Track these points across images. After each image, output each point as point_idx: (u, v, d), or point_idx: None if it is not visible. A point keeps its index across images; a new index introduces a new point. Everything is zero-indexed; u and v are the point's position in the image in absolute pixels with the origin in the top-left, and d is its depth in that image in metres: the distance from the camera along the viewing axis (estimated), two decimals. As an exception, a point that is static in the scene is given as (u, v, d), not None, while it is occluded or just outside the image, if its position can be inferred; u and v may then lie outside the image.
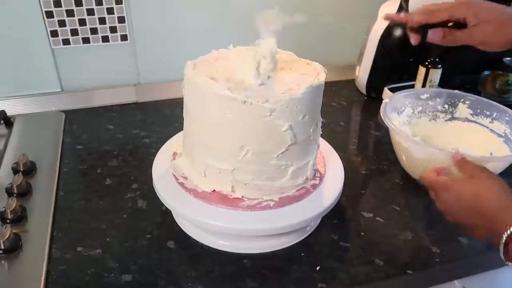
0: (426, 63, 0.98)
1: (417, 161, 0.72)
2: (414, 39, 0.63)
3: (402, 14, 0.63)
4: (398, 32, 0.98)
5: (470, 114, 0.84)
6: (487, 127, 0.81)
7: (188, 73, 0.57)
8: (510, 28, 0.59)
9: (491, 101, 0.82)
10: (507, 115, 0.78)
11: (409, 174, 0.78)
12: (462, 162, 0.58)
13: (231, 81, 0.55)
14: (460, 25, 0.60)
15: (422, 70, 0.99)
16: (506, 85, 1.06)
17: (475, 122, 0.83)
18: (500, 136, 0.79)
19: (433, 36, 0.61)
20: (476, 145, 0.78)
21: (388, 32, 0.98)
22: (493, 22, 0.58)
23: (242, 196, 0.59)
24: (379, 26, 0.99)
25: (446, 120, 0.86)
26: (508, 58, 1.13)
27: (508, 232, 0.44)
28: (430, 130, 0.85)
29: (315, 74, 0.58)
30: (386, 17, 0.67)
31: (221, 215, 0.57)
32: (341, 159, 0.69)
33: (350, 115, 1.05)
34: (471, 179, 0.54)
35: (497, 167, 0.69)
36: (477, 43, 0.60)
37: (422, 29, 0.61)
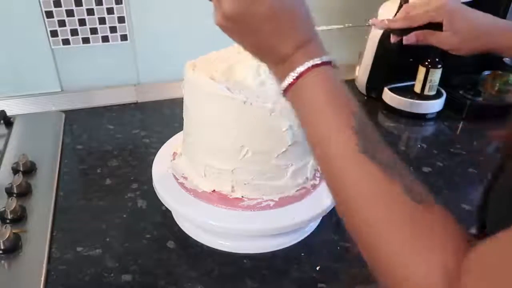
0: (426, 63, 0.98)
1: None
2: (393, 39, 0.68)
3: (385, 20, 0.67)
4: (398, 32, 0.98)
5: None
6: None
7: (188, 73, 0.57)
8: (476, 42, 0.60)
9: None
10: None
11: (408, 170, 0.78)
12: None
13: (230, 81, 0.55)
14: (438, 26, 0.62)
15: (422, 70, 0.98)
16: (506, 85, 1.06)
17: None
18: None
19: (408, 41, 0.64)
20: None
21: (388, 32, 0.98)
22: (463, 33, 0.60)
23: (242, 196, 0.59)
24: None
25: None
26: (508, 58, 1.13)
27: (299, 70, 0.36)
28: None
29: None
30: (372, 23, 0.69)
31: (221, 215, 0.57)
32: (341, 159, 0.69)
33: (350, 115, 1.05)
34: None
35: None
36: (445, 48, 0.62)
37: (404, 32, 0.65)
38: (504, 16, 1.02)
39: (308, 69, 0.37)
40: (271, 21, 0.37)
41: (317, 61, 0.37)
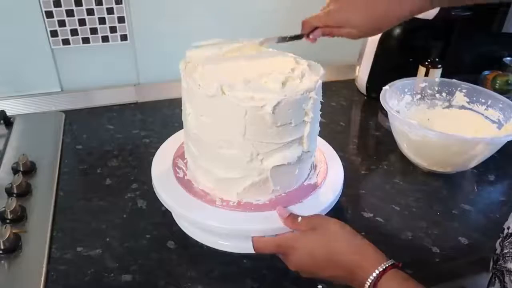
0: (426, 63, 0.98)
1: (414, 144, 0.77)
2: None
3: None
4: (398, 32, 0.98)
5: (467, 102, 0.88)
6: (482, 114, 0.86)
7: (181, 72, 0.57)
8: (377, 25, 0.59)
9: (486, 90, 0.87)
10: (501, 102, 0.82)
11: (408, 172, 0.78)
12: (292, 218, 0.54)
13: (221, 80, 0.54)
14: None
15: (422, 70, 0.99)
16: (506, 85, 1.06)
17: (471, 109, 0.87)
18: (494, 122, 0.83)
19: (315, 36, 0.63)
20: (471, 130, 0.83)
21: (388, 32, 0.98)
22: (361, 27, 0.59)
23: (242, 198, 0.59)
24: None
25: (443, 108, 0.90)
26: (508, 58, 1.13)
27: (369, 281, 0.45)
28: (428, 116, 0.90)
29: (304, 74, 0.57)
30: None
31: (221, 215, 0.57)
32: (341, 159, 0.69)
33: (350, 115, 1.05)
34: (315, 231, 0.51)
35: (487, 149, 0.74)
36: (352, 38, 0.61)
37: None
38: (499, 30, 1.02)
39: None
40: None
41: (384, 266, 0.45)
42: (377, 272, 0.44)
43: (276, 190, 0.59)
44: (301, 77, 0.56)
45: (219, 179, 0.58)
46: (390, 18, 0.59)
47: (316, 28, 0.62)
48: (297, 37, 0.63)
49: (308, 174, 0.64)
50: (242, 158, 0.55)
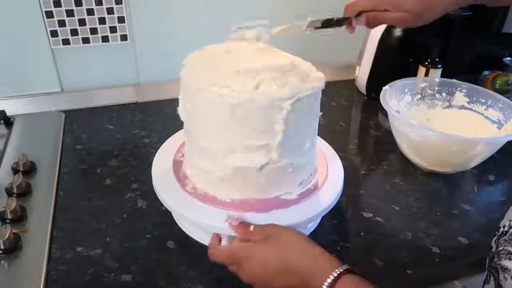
0: (426, 63, 0.98)
1: (414, 144, 0.77)
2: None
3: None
4: (398, 32, 0.98)
5: (467, 102, 0.88)
6: (482, 114, 0.86)
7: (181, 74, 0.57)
8: (427, 12, 0.57)
9: (486, 90, 0.87)
10: (501, 102, 0.83)
11: (408, 170, 0.78)
12: (243, 227, 0.53)
13: (219, 82, 0.54)
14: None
15: (422, 70, 0.99)
16: (506, 85, 1.06)
17: (471, 109, 0.87)
18: (494, 122, 0.83)
19: (358, 23, 0.60)
20: (471, 130, 0.83)
21: (388, 32, 0.98)
22: (412, 11, 0.56)
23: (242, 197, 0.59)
24: (379, 26, 0.99)
25: (443, 108, 0.91)
26: (508, 58, 1.13)
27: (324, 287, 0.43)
28: (428, 116, 0.90)
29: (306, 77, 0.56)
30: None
31: (221, 215, 0.57)
32: (341, 159, 0.69)
33: (350, 115, 1.05)
34: (267, 240, 0.49)
35: (487, 149, 0.74)
36: (400, 27, 0.58)
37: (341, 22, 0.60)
38: (499, 30, 1.02)
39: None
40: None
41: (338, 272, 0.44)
42: (331, 277, 0.43)
43: (276, 190, 0.59)
44: (283, 84, 0.52)
45: (198, 168, 0.59)
46: (442, 5, 0.56)
47: (360, 13, 0.57)
48: (341, 22, 0.59)
49: (308, 175, 0.64)
50: (211, 150, 0.56)
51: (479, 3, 0.58)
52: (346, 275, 0.44)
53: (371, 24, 0.60)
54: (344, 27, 0.60)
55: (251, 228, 0.52)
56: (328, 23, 0.59)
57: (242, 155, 0.55)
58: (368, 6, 0.57)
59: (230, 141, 0.54)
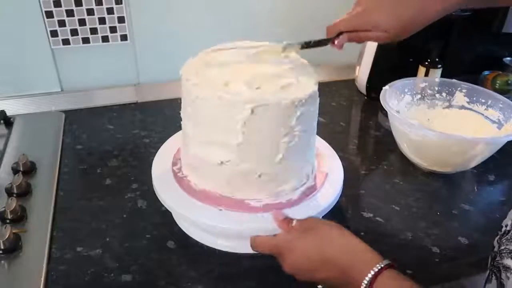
0: (426, 63, 0.98)
1: (414, 144, 0.78)
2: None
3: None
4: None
5: (467, 102, 0.88)
6: (482, 114, 0.86)
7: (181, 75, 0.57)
8: (406, 30, 0.57)
9: (486, 90, 0.87)
10: (501, 102, 0.83)
11: (408, 170, 0.78)
12: (287, 222, 0.54)
13: (221, 84, 0.54)
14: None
15: (422, 70, 0.99)
16: (506, 85, 1.06)
17: (471, 109, 0.87)
18: (494, 122, 0.83)
19: (340, 42, 0.59)
20: (471, 130, 0.83)
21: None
22: (391, 30, 0.56)
23: (242, 197, 0.59)
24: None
25: (443, 108, 0.91)
26: (508, 58, 1.13)
27: (365, 282, 0.44)
28: (428, 116, 0.90)
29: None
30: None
31: (220, 215, 0.57)
32: (341, 159, 0.69)
33: (350, 115, 1.05)
34: (309, 232, 0.50)
35: (487, 149, 0.74)
36: (381, 43, 0.58)
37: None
38: (499, 30, 1.02)
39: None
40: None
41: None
42: (372, 272, 0.44)
43: (276, 190, 0.59)
44: (255, 87, 0.53)
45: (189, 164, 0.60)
46: (422, 19, 0.56)
47: (341, 33, 0.58)
48: (322, 43, 0.59)
49: (308, 175, 0.64)
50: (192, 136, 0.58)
51: (463, 8, 0.57)
52: (388, 270, 0.44)
53: (356, 41, 0.60)
54: (329, 46, 0.60)
55: (294, 222, 0.53)
56: (307, 45, 0.59)
57: (206, 149, 0.57)
58: (349, 27, 0.58)
59: (200, 135, 0.57)
